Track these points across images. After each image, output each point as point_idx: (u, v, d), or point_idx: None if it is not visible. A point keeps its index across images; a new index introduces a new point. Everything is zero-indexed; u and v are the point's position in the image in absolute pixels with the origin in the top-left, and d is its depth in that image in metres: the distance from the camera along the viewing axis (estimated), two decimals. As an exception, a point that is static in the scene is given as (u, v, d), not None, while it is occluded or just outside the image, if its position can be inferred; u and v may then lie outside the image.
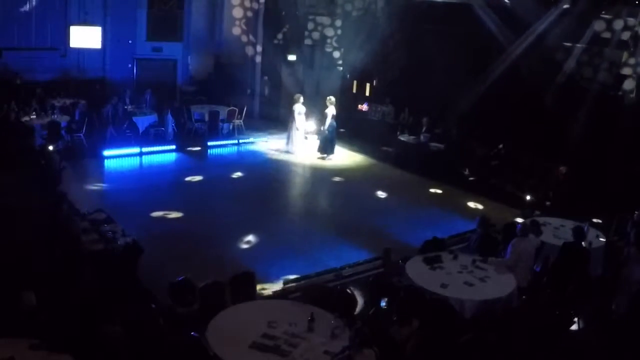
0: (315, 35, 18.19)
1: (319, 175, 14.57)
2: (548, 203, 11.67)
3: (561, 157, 12.54)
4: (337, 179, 13.96)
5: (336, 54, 17.93)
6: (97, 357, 5.20)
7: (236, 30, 17.87)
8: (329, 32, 18.10)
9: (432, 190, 13.60)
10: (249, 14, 17.92)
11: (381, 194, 13.16)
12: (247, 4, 17.77)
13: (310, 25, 18.11)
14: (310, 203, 12.68)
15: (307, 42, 18.12)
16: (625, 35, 13.09)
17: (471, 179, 13.86)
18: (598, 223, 9.66)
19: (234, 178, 13.80)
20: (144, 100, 16.57)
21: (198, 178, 13.61)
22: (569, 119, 13.02)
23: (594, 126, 12.66)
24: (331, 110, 15.27)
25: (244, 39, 17.96)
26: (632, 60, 13.21)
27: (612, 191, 11.40)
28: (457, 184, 13.77)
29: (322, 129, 15.60)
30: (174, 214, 11.11)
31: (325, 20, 17.87)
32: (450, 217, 11.70)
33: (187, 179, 13.42)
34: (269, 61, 18.64)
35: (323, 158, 15.49)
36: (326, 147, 15.55)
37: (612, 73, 13.44)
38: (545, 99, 13.46)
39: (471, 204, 12.36)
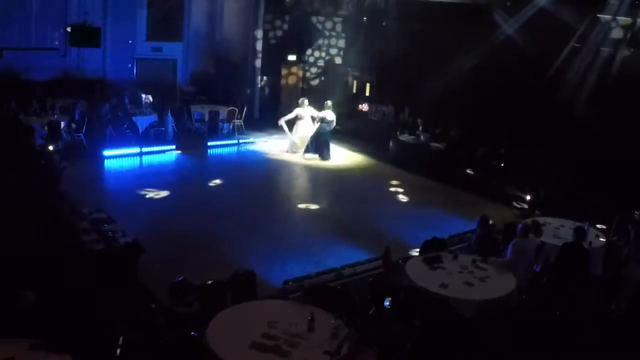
0: (316, 35, 18.22)
1: (319, 175, 14.57)
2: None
3: (561, 157, 12.54)
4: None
5: (337, 55, 17.94)
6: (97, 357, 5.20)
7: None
8: (328, 32, 18.13)
9: (431, 190, 13.60)
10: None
11: (381, 194, 13.15)
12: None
13: (310, 26, 18.14)
14: (310, 203, 12.65)
15: (307, 42, 18.15)
16: (619, 33, 13.08)
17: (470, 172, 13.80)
18: (598, 223, 9.64)
19: (233, 178, 13.79)
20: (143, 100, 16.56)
21: (198, 178, 13.62)
22: (569, 118, 13.01)
23: (594, 126, 12.65)
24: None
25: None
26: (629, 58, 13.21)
27: (612, 191, 11.40)
28: (457, 183, 13.75)
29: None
30: (174, 214, 11.11)
31: (326, 20, 17.90)
32: (450, 217, 11.69)
33: (187, 178, 13.41)
34: (269, 61, 18.64)
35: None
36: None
37: (612, 72, 13.43)
38: (546, 99, 13.46)
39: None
